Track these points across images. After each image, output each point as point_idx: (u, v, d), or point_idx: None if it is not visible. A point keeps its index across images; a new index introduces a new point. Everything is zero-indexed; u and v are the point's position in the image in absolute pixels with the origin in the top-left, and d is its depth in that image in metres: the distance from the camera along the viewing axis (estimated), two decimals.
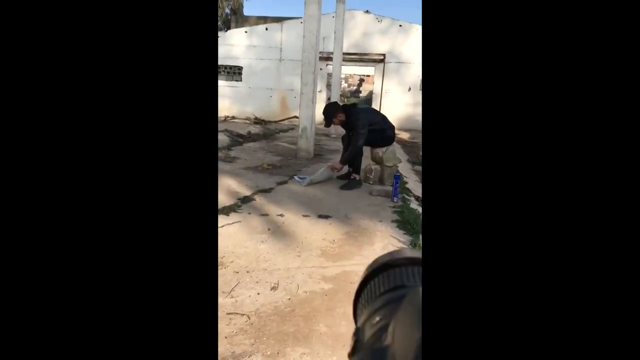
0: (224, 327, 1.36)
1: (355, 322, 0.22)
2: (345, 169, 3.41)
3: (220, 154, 4.35)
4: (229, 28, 11.22)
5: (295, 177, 3.40)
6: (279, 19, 10.42)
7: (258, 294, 1.58)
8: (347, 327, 1.38)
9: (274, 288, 1.64)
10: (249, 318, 1.42)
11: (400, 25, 9.48)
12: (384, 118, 3.39)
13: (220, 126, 6.64)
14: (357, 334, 0.20)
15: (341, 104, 3.60)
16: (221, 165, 3.81)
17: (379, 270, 0.24)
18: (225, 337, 1.31)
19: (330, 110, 3.27)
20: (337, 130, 3.58)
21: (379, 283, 0.23)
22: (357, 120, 3.15)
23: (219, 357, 1.20)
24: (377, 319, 0.19)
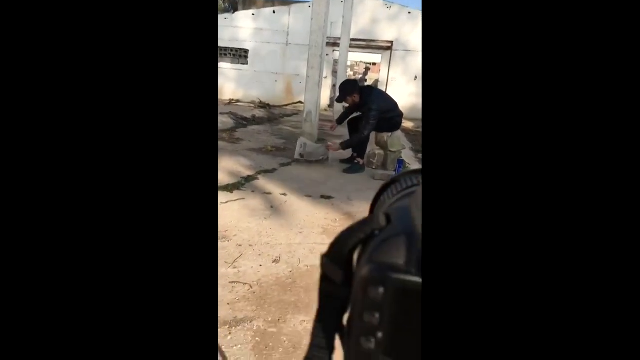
0: (227, 295, 1.40)
1: None
2: (349, 152, 3.41)
3: (224, 136, 4.36)
4: (236, 10, 11.06)
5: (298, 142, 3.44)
6: (287, 2, 10.27)
7: (260, 265, 1.62)
8: None
9: (275, 261, 1.67)
10: (251, 287, 1.46)
11: (410, 12, 9.33)
12: (396, 105, 3.36)
13: (225, 109, 6.61)
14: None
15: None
16: (225, 146, 3.83)
17: (388, 185, 0.26)
18: (228, 304, 1.35)
19: (348, 87, 3.20)
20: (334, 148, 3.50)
21: (390, 191, 0.25)
22: (370, 109, 3.09)
23: (222, 322, 1.25)
24: (393, 201, 0.22)
